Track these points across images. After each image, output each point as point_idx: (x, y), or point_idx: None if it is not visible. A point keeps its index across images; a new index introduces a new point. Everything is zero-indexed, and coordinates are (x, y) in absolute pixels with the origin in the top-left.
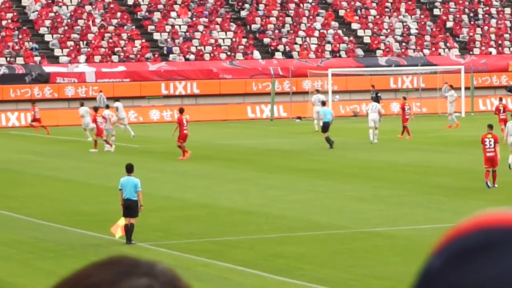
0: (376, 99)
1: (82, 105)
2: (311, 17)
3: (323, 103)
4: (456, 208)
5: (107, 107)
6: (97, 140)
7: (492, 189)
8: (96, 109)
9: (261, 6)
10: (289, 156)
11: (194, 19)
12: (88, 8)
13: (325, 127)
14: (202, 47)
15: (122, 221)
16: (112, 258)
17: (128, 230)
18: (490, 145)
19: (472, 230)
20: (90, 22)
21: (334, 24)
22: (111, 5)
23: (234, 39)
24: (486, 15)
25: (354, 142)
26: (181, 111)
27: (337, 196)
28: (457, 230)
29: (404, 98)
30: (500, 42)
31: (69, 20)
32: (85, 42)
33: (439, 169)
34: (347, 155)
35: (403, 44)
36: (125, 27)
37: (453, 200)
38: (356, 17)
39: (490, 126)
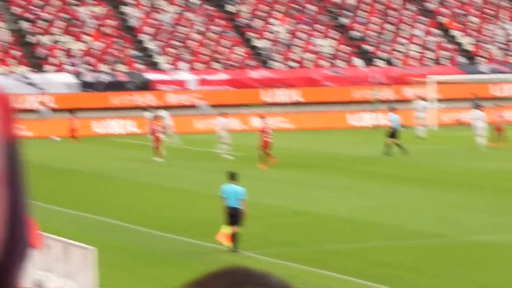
0: (476, 107)
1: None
2: (412, 24)
3: (392, 109)
4: None
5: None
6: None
7: None
8: (156, 117)
9: (362, 14)
10: (391, 164)
11: (295, 26)
12: (189, 15)
13: (393, 134)
14: (304, 55)
15: (227, 229)
16: (226, 268)
17: (233, 238)
18: None
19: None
20: (192, 29)
21: (435, 31)
22: (213, 13)
23: (335, 47)
24: None
25: (456, 150)
26: (263, 119)
27: (440, 204)
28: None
29: (498, 106)
30: None
31: (170, 28)
32: (186, 49)
33: None
34: (449, 163)
35: (505, 51)
36: (227, 34)
37: None
38: (458, 25)
39: None
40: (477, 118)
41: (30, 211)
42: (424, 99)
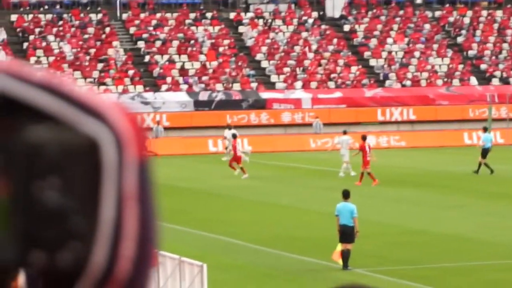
0: None
1: (229, 129)
2: None
3: (485, 129)
4: None
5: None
6: (234, 165)
7: None
8: (234, 136)
9: (478, 32)
10: (505, 183)
11: (410, 45)
12: (304, 34)
13: (484, 153)
14: (419, 73)
15: (339, 247)
16: (346, 285)
17: (344, 255)
18: None
19: None
20: (307, 49)
21: None
22: (327, 32)
23: (450, 65)
24: None
25: None
26: (364, 138)
27: None
28: None
29: None
30: None
31: (285, 47)
32: (301, 68)
33: None
34: None
35: None
36: (341, 53)
37: None
38: None
39: None
40: None
41: (159, 231)
42: None
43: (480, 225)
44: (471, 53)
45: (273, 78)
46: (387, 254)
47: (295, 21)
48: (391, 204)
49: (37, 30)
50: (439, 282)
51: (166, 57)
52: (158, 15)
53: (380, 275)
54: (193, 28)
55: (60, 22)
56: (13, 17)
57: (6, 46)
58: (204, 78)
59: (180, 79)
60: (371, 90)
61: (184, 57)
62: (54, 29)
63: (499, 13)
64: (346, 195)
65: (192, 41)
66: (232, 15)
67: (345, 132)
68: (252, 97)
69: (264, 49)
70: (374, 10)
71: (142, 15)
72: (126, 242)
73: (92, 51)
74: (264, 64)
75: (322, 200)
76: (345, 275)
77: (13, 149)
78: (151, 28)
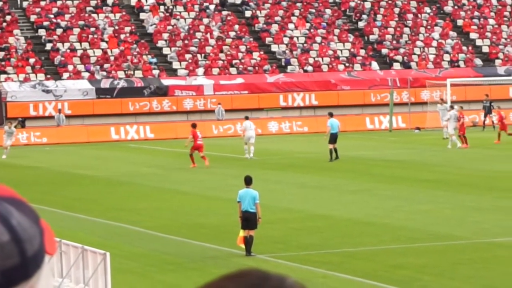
0: (489, 109)
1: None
2: (429, 27)
3: (331, 115)
4: None
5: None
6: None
7: None
8: (194, 126)
9: (379, 17)
10: (408, 167)
11: (312, 30)
12: (205, 21)
13: (332, 139)
14: (320, 59)
15: (242, 233)
16: (243, 271)
17: (247, 242)
18: None
19: None
20: (208, 35)
21: (452, 34)
22: (229, 18)
23: (352, 50)
24: None
25: (473, 152)
26: (194, 126)
27: (456, 206)
28: None
29: (499, 107)
30: None
31: (187, 33)
32: (203, 55)
33: None
34: (467, 165)
35: None
36: (243, 39)
37: None
38: (474, 27)
39: None
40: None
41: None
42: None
43: (384, 209)
44: (372, 37)
45: (175, 65)
46: (291, 240)
47: (196, 7)
48: (294, 189)
49: None
50: (343, 267)
51: (67, 45)
52: (59, 2)
53: (283, 260)
54: (94, 15)
55: None
56: None
57: None
58: (106, 65)
59: (82, 67)
60: (273, 75)
61: (85, 45)
62: None
63: None
64: (248, 181)
65: (93, 29)
66: (133, 1)
67: (247, 118)
68: (154, 84)
69: (165, 36)
70: None
71: (42, 3)
72: None
73: None
74: (166, 51)
75: (225, 186)
76: (248, 261)
77: None
78: (52, 16)
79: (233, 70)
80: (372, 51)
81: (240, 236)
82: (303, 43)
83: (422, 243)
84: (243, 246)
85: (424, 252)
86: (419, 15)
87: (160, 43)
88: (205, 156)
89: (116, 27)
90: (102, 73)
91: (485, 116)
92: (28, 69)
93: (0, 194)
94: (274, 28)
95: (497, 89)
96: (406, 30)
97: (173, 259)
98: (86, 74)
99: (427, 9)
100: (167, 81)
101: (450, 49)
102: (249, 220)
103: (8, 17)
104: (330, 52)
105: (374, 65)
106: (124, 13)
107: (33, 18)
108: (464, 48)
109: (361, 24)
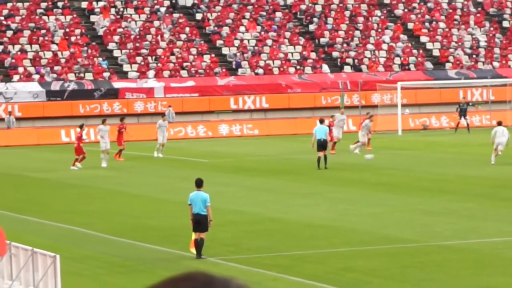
0: (465, 112)
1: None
2: (379, 30)
3: (321, 121)
4: None
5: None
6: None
7: None
8: (81, 126)
9: (330, 20)
10: (359, 170)
11: (262, 33)
12: (156, 23)
13: (320, 146)
14: (271, 61)
15: (194, 236)
16: (188, 274)
17: (198, 244)
18: None
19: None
20: (159, 38)
21: (403, 37)
22: (180, 20)
23: (302, 53)
24: None
25: (423, 156)
26: (81, 126)
27: (407, 209)
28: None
29: (368, 113)
30: None
31: (138, 36)
32: (154, 57)
33: (508, 181)
34: (417, 168)
35: (473, 56)
36: (194, 42)
37: None
38: (425, 30)
39: None
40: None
41: None
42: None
43: (334, 212)
44: (323, 40)
45: (126, 67)
46: (242, 243)
47: (147, 10)
48: (245, 192)
49: None
50: (293, 270)
51: (17, 47)
52: (9, 4)
53: (234, 263)
54: (45, 17)
55: None
56: None
57: None
58: (57, 68)
59: (32, 69)
60: (224, 78)
61: (36, 47)
62: None
63: (350, 1)
64: (199, 184)
65: (43, 31)
66: (84, 4)
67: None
68: (104, 86)
69: (116, 38)
70: None
71: None
72: None
73: None
74: (117, 53)
75: (176, 189)
76: (199, 264)
77: None
78: (2, 18)
79: (184, 73)
80: (323, 54)
81: (192, 239)
82: (254, 46)
83: (372, 246)
84: (194, 251)
85: (374, 255)
86: (370, 18)
87: (111, 46)
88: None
89: (67, 30)
90: (52, 76)
91: (460, 118)
92: None
93: None
94: (225, 31)
95: (448, 92)
96: (357, 33)
97: (123, 261)
98: (37, 77)
99: (378, 12)
100: (117, 84)
101: (401, 53)
102: (200, 223)
103: None
104: (281, 55)
105: (325, 68)
106: (74, 15)
107: None
108: (415, 51)
109: (312, 27)
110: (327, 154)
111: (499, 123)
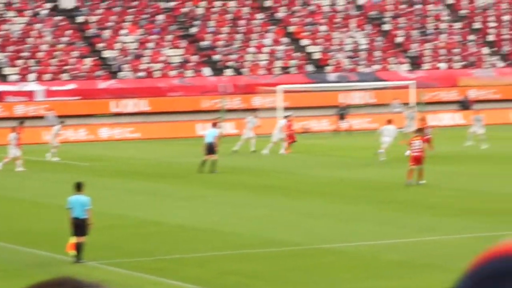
0: (343, 116)
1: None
2: (261, 33)
3: (214, 125)
4: (406, 224)
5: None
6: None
7: (443, 205)
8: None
9: (211, 23)
10: (241, 173)
11: (144, 36)
12: (38, 26)
13: (207, 149)
14: (152, 65)
15: (73, 240)
16: (57, 279)
17: (78, 248)
18: (418, 145)
19: (504, 255)
20: (40, 40)
21: (284, 40)
22: (61, 23)
23: (184, 56)
24: (436, 30)
25: (304, 159)
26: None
27: (289, 212)
28: (490, 254)
29: (287, 117)
30: (449, 57)
31: (19, 38)
32: (35, 60)
33: (390, 184)
34: (298, 171)
35: (353, 59)
36: (75, 45)
37: (403, 215)
38: (306, 33)
39: (419, 129)
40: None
41: None
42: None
43: (216, 215)
44: (204, 43)
45: (6, 70)
46: (123, 246)
47: (28, 12)
48: (126, 195)
49: None
50: (174, 274)
51: None
52: None
53: (114, 267)
54: None
55: None
56: None
57: None
58: None
59: None
60: (105, 81)
61: None
62: None
63: (232, 4)
64: (78, 187)
65: None
66: None
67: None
68: None
69: None
70: (108, 1)
71: None
72: None
73: None
74: None
75: (56, 192)
76: (79, 268)
77: None
78: None
79: (65, 76)
80: (204, 57)
81: (70, 242)
82: (135, 49)
83: (254, 249)
84: (73, 252)
85: (256, 258)
86: (251, 21)
87: None
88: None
89: None
90: None
91: (340, 121)
92: None
93: None
94: (107, 34)
95: (328, 95)
96: (239, 36)
97: (1, 266)
98: None
99: (259, 16)
100: None
101: (282, 56)
102: (80, 227)
103: None
104: (162, 58)
105: (206, 71)
106: None
107: None
108: (296, 54)
109: (193, 30)
110: (215, 158)
111: (389, 121)
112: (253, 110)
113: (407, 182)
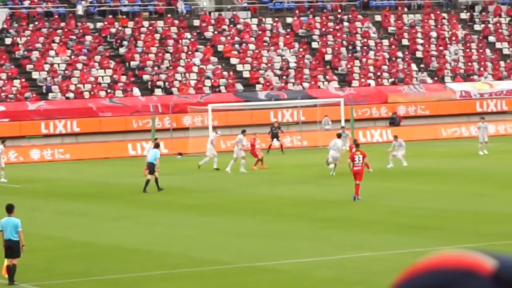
0: (276, 135)
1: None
2: (190, 52)
3: (156, 146)
4: (338, 241)
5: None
6: None
7: (376, 221)
8: None
9: (140, 43)
10: (171, 193)
11: (73, 57)
12: None
13: (148, 169)
14: (82, 85)
15: (6, 262)
16: None
17: (10, 270)
18: (359, 160)
19: (430, 269)
20: None
21: (213, 59)
22: None
23: (113, 77)
24: (364, 47)
25: (236, 177)
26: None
27: (220, 231)
28: (414, 269)
29: (254, 134)
30: (378, 73)
31: None
32: None
33: (321, 201)
34: (230, 189)
35: (283, 77)
36: (4, 66)
37: (337, 232)
38: (235, 52)
39: (357, 145)
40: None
41: None
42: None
43: (147, 235)
44: (133, 64)
45: None
46: (55, 267)
47: None
48: (58, 216)
49: None
50: None
51: None
52: None
53: None
54: None
55: None
56: None
57: None
58: None
59: None
60: (35, 103)
61: None
62: None
63: (160, 24)
64: (9, 209)
65: None
66: None
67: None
68: None
69: None
70: (36, 23)
71: None
72: None
73: None
74: None
75: None
76: None
77: None
78: None
79: None
80: (133, 77)
81: (4, 265)
82: (64, 70)
83: (185, 268)
84: (7, 277)
85: (187, 278)
86: (180, 40)
87: None
88: None
89: None
90: None
91: (272, 140)
92: None
93: None
94: (35, 55)
95: (258, 114)
96: (167, 56)
97: None
98: None
99: (188, 35)
100: None
101: (211, 74)
102: (12, 249)
103: None
104: (92, 79)
105: (136, 91)
106: None
107: None
108: (225, 73)
109: (122, 50)
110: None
111: (339, 134)
112: (184, 129)
113: (355, 197)
